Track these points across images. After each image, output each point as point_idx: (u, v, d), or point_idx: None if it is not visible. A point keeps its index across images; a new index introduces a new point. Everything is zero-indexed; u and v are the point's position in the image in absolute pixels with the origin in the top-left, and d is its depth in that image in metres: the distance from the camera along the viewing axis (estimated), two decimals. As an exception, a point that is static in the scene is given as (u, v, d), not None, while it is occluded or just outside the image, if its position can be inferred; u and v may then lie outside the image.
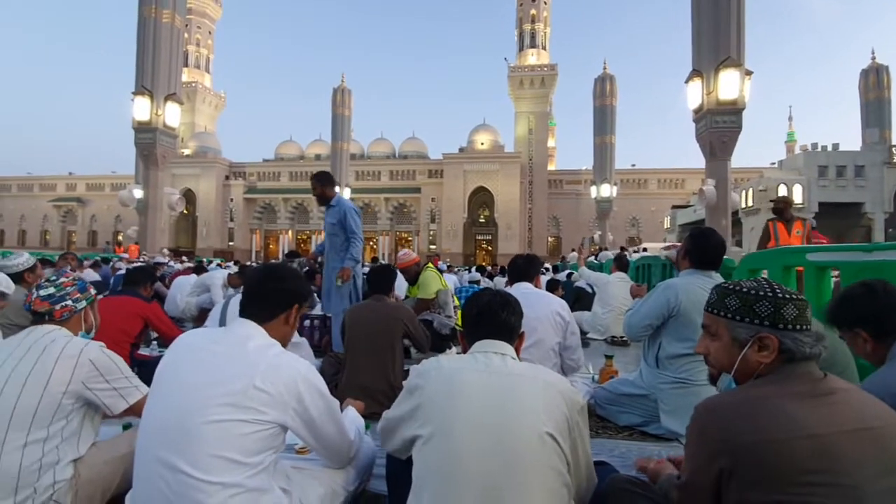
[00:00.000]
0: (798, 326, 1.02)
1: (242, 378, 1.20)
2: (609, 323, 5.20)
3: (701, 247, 2.40)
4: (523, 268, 2.84)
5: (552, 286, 5.37)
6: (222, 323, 3.31)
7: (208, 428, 1.15)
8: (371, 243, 40.93)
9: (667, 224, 32.05)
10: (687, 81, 11.79)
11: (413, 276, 4.19)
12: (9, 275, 2.98)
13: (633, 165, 40.41)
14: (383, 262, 4.32)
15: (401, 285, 4.98)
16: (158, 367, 1.32)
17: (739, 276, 3.84)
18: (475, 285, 6.93)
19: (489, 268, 13.28)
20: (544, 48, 40.82)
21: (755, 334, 1.05)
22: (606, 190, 25.88)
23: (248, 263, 9.32)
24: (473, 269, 11.99)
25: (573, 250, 21.18)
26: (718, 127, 11.00)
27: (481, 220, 39.29)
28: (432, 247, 36.87)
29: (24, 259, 3.35)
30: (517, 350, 1.34)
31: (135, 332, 3.19)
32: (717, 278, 2.36)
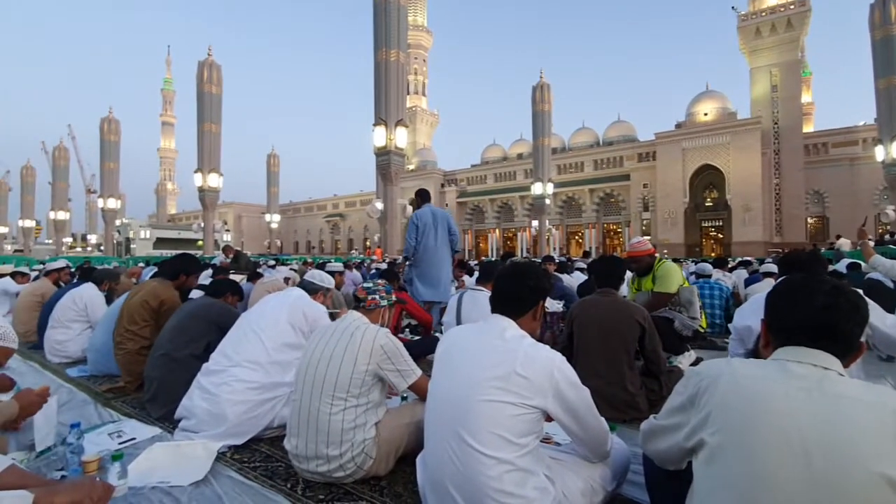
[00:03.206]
0: None
1: (504, 364, 1.34)
2: (934, 330, 3.74)
3: None
4: (808, 266, 2.28)
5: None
6: (458, 314, 3.66)
7: (484, 406, 1.31)
8: (576, 237, 39.83)
9: None
10: None
11: (644, 268, 3.78)
12: (328, 272, 4.63)
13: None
14: (610, 255, 4.07)
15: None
16: (437, 353, 1.58)
17: None
18: (707, 280, 5.92)
19: (734, 261, 10.94)
20: (790, -19, 32.37)
21: None
22: (904, 148, 18.77)
23: (464, 260, 10.45)
24: (692, 261, 10.13)
25: (839, 236, 16.06)
26: None
27: (708, 204, 33.59)
28: (646, 237, 33.46)
29: (339, 265, 5.39)
30: (848, 365, 1.04)
31: (395, 317, 3.93)
32: None
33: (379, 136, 16.92)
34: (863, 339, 2.05)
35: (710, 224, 34.02)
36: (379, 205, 19.00)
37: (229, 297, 3.13)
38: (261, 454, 2.15)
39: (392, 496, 1.76)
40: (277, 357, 2.32)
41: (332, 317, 2.47)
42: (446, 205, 44.94)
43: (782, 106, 31.26)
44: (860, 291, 2.24)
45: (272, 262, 11.08)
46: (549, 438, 1.96)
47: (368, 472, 1.83)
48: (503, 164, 43.55)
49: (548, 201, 26.21)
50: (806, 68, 45.63)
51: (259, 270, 6.99)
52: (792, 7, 31.09)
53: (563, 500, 1.34)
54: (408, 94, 44.24)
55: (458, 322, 3.41)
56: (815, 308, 1.05)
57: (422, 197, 5.28)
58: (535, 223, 28.17)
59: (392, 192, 17.53)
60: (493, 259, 16.42)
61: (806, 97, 44.60)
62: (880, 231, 22.60)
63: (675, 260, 12.75)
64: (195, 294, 3.80)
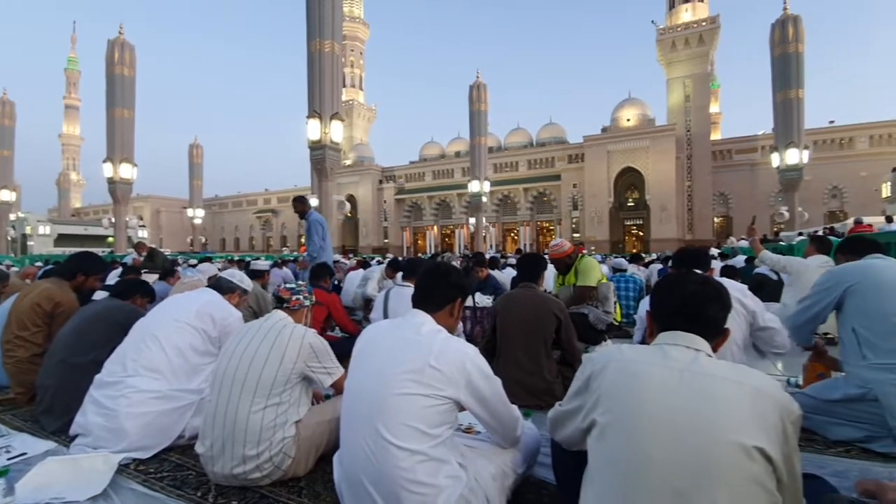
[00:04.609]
0: None
1: (419, 358, 1.38)
2: (806, 316, 4.32)
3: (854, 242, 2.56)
4: (696, 258, 2.55)
5: (728, 274, 4.70)
6: (385, 309, 3.68)
7: (398, 399, 1.34)
8: (512, 234, 41.09)
9: (886, 192, 24.97)
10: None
11: (564, 268, 4.06)
12: (254, 271, 4.42)
13: (832, 123, 32.54)
14: (532, 252, 4.39)
15: (548, 278, 4.88)
16: (355, 349, 1.58)
17: None
18: (624, 274, 6.39)
19: (649, 256, 12.00)
20: (701, 0, 35.50)
21: None
22: (794, 156, 21.27)
23: (396, 258, 10.48)
24: (613, 256, 10.98)
25: (743, 238, 18.03)
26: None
27: (630, 204, 36.12)
28: (575, 235, 35.32)
29: (266, 263, 5.21)
30: (716, 348, 1.18)
31: (322, 318, 3.85)
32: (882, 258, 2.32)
33: (313, 130, 16.34)
34: (736, 326, 2.33)
35: (631, 222, 36.61)
36: (314, 201, 18.39)
37: (138, 298, 2.90)
38: (170, 464, 2.03)
39: (310, 496, 1.74)
40: (181, 363, 2.18)
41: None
42: (384, 201, 44.44)
43: (694, 115, 34.27)
44: (741, 284, 2.54)
45: (194, 261, 10.35)
46: (471, 428, 2.03)
47: (287, 472, 1.80)
48: (441, 162, 43.86)
49: (484, 199, 26.77)
50: (715, 81, 50.25)
51: (178, 269, 6.51)
52: (703, 24, 34.14)
53: (474, 485, 1.40)
54: (344, 87, 43.10)
55: (386, 317, 3.43)
56: (686, 294, 1.21)
57: (307, 203, 5.67)
58: (472, 220, 28.68)
59: (327, 188, 17.03)
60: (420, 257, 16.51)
61: (714, 107, 49.12)
62: (775, 230, 25.53)
63: (600, 256, 13.61)
64: (99, 296, 3.48)
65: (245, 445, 1.72)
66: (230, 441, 1.73)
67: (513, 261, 8.89)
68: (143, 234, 31.51)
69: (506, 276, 6.70)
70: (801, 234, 13.14)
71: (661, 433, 1.01)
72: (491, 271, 6.18)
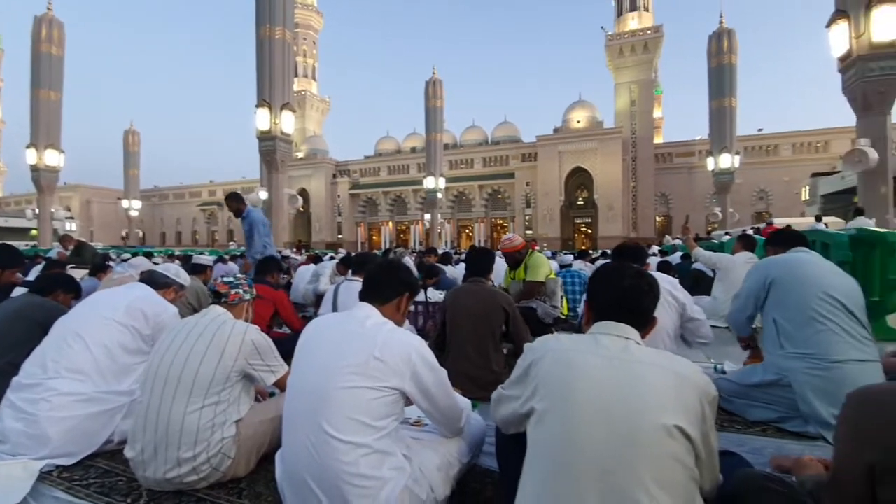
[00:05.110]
0: None
1: (364, 351, 1.38)
2: (734, 309, 4.69)
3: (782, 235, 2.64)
4: (634, 253, 2.69)
5: (664, 269, 4.99)
6: (335, 304, 3.63)
7: (341, 393, 1.33)
8: (467, 231, 41.50)
9: (805, 195, 27.42)
10: (828, 25, 10.06)
11: (514, 263, 4.17)
12: (195, 265, 4.22)
13: (760, 130, 35.29)
14: (482, 246, 4.50)
15: (498, 272, 4.99)
16: (298, 344, 1.54)
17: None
18: (569, 269, 6.63)
19: (594, 252, 12.62)
20: (646, 9, 37.25)
21: None
22: (726, 160, 22.93)
23: (349, 254, 10.34)
24: (563, 253, 11.42)
25: (678, 237, 19.21)
26: (874, 75, 9.24)
27: (579, 203, 37.49)
28: (528, 232, 36.20)
29: (209, 259, 4.96)
30: (645, 335, 1.26)
31: (268, 316, 3.71)
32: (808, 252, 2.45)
33: (262, 119, 15.72)
34: (668, 317, 2.49)
35: (581, 221, 38.04)
36: (263, 194, 17.67)
37: (60, 294, 2.68)
38: (97, 470, 1.90)
39: (251, 497, 1.69)
40: (109, 363, 2.04)
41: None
42: (338, 196, 43.49)
43: (639, 119, 36.00)
44: (672, 278, 2.70)
45: (127, 256, 9.69)
46: (420, 421, 2.04)
47: (226, 473, 1.73)
48: (396, 157, 43.50)
49: (440, 195, 26.84)
50: (658, 87, 52.97)
51: (111, 264, 6.07)
52: (648, 32, 35.86)
53: (419, 476, 1.42)
54: (296, 76, 41.69)
55: (335, 311, 3.37)
56: (623, 288, 1.27)
57: (243, 201, 5.39)
58: (427, 216, 28.68)
59: (277, 181, 16.44)
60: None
61: (657, 112, 51.76)
62: (709, 229, 27.35)
63: (549, 252, 14.07)
64: (19, 293, 3.19)
65: (180, 448, 1.64)
66: (163, 444, 1.64)
67: (466, 257, 8.95)
68: (71, 226, 29.03)
69: (458, 271, 6.77)
70: (727, 233, 14.23)
71: (592, 418, 1.06)
72: (444, 267, 6.22)
